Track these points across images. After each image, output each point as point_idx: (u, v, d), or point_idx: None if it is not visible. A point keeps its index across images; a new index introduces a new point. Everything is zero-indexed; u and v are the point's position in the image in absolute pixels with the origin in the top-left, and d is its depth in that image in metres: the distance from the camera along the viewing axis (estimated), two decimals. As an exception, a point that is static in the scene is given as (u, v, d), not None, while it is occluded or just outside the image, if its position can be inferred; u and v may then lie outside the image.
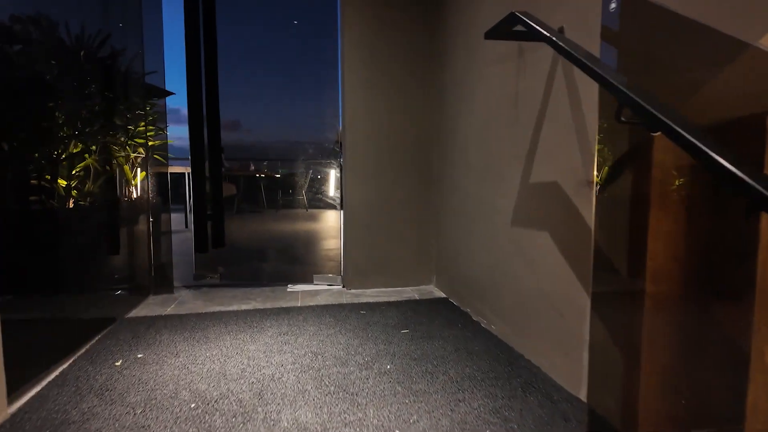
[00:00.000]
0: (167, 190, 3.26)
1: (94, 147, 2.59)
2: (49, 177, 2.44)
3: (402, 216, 2.81)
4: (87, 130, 2.46)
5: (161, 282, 2.73)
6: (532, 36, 1.28)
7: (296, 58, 3.34)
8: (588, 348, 1.36)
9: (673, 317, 1.17)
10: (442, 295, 2.63)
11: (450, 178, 2.55)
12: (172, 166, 4.12)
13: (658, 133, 0.88)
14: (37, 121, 2.28)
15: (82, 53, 2.50)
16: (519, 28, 1.36)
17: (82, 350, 1.78)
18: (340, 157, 3.15)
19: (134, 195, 3.16)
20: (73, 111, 2.40)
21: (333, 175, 7.75)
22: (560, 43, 1.05)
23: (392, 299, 2.54)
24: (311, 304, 2.43)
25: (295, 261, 3.65)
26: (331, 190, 8.10)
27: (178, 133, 3.74)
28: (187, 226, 5.79)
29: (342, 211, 2.85)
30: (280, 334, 1.95)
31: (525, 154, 1.73)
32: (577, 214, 1.40)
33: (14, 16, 3.05)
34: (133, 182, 3.19)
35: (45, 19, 2.99)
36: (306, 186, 8.43)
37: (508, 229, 1.87)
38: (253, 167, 8.41)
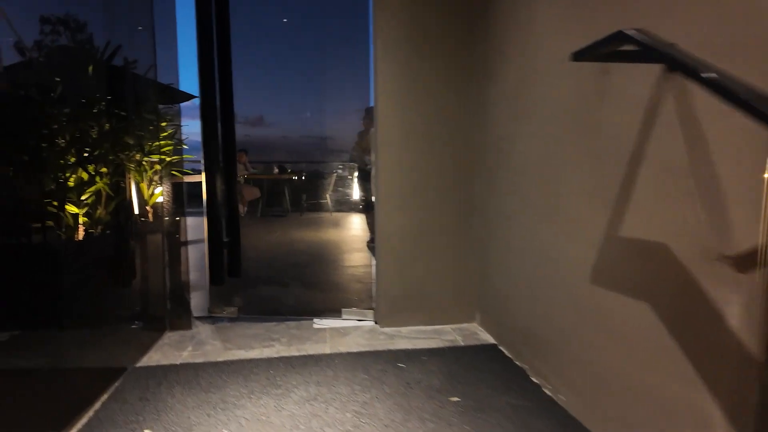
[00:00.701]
0: (184, 205, 3.01)
1: (105, 169, 2.37)
2: (57, 204, 2.23)
3: (441, 246, 2.49)
4: (96, 152, 2.23)
5: (178, 314, 2.50)
6: (651, 60, 0.94)
7: (326, 66, 3.06)
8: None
9: None
10: (489, 339, 2.31)
11: (499, 208, 2.22)
12: (193, 175, 3.89)
13: None
14: (38, 143, 2.05)
15: (90, 68, 2.27)
16: (627, 47, 1.02)
17: (84, 419, 1.55)
18: (368, 165, 2.85)
19: (150, 217, 2.94)
20: (81, 132, 2.17)
21: (357, 178, 7.44)
22: (725, 84, 0.71)
23: (432, 344, 2.24)
24: (341, 350, 2.15)
25: (321, 284, 3.37)
26: (355, 193, 7.80)
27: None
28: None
29: (376, 240, 2.55)
30: (308, 400, 1.68)
31: (611, 198, 1.39)
32: (701, 296, 1.06)
33: (44, 17, 2.84)
34: (150, 202, 2.97)
35: (74, 20, 2.78)
36: (330, 189, 8.14)
37: (582, 285, 1.53)
38: (276, 170, 8.19)
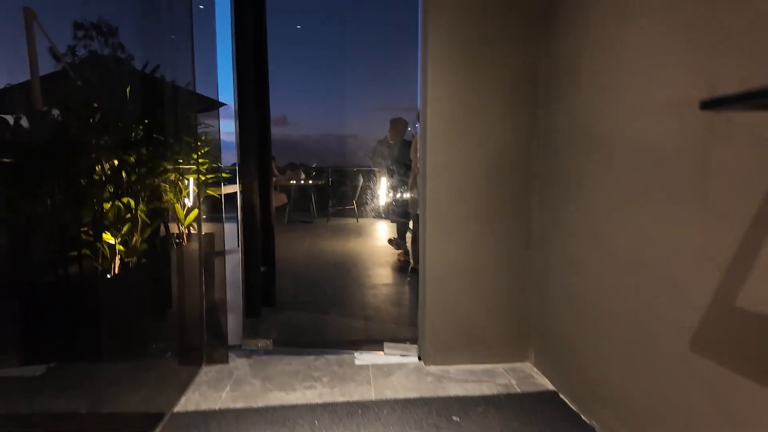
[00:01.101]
0: (222, 212, 2.89)
1: (142, 194, 2.28)
2: (93, 233, 2.14)
3: (492, 279, 2.31)
4: (134, 181, 2.14)
5: (214, 347, 2.40)
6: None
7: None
8: None
9: None
10: (547, 383, 2.12)
11: (563, 246, 2.02)
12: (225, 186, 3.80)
13: None
14: (77, 173, 1.97)
15: (127, 89, 2.17)
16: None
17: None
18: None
19: (185, 239, 2.85)
20: (120, 160, 2.08)
21: (384, 184, 7.27)
22: None
23: (485, 389, 2.06)
24: (388, 395, 2.00)
25: (357, 306, 3.17)
26: (382, 200, 7.63)
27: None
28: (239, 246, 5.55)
29: (421, 271, 2.39)
30: (360, 465, 1.53)
31: (726, 257, 1.18)
32: None
33: (77, 23, 2.79)
34: (184, 223, 2.89)
35: (106, 25, 2.74)
36: (357, 196, 8.02)
37: (683, 351, 1.33)
38: (303, 176, 8.12)
